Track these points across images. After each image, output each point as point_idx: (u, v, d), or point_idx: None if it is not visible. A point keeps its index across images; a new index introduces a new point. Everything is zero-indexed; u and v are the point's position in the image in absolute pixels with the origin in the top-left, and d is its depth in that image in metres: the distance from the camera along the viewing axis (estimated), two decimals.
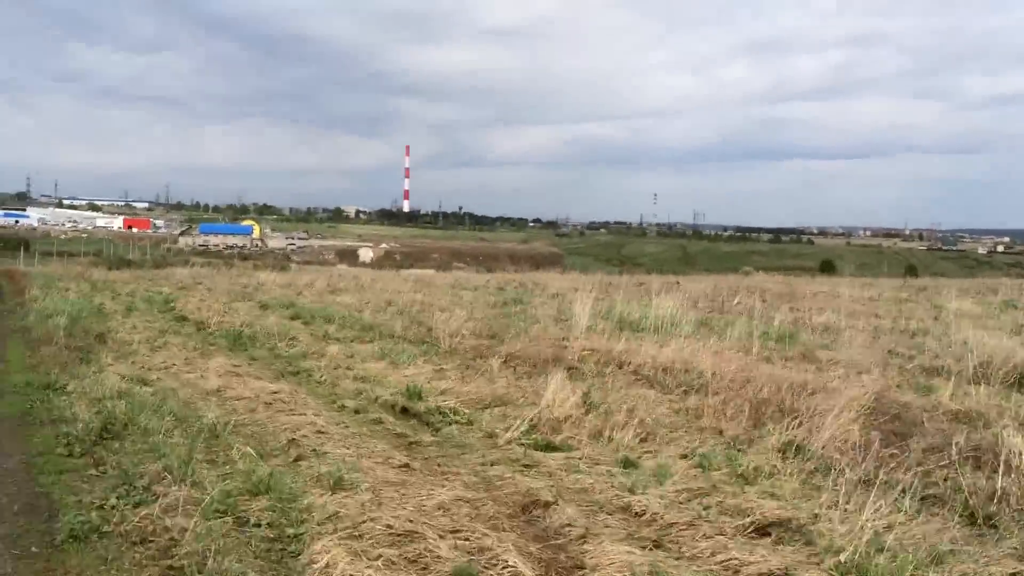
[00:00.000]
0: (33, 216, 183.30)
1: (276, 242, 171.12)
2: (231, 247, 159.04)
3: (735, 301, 20.43)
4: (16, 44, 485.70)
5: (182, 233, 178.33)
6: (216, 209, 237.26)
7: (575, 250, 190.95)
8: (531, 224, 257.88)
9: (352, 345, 13.13)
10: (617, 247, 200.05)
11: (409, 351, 12.20)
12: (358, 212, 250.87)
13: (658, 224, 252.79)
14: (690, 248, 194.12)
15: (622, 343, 12.24)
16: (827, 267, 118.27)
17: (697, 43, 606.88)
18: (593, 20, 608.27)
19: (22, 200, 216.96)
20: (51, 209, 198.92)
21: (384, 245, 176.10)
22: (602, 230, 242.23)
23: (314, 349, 12.70)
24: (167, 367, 10.96)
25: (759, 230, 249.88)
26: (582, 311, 14.40)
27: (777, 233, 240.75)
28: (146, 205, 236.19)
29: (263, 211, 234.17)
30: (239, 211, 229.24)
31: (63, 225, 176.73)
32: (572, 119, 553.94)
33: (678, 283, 28.21)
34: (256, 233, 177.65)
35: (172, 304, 19.13)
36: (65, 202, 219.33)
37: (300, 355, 12.25)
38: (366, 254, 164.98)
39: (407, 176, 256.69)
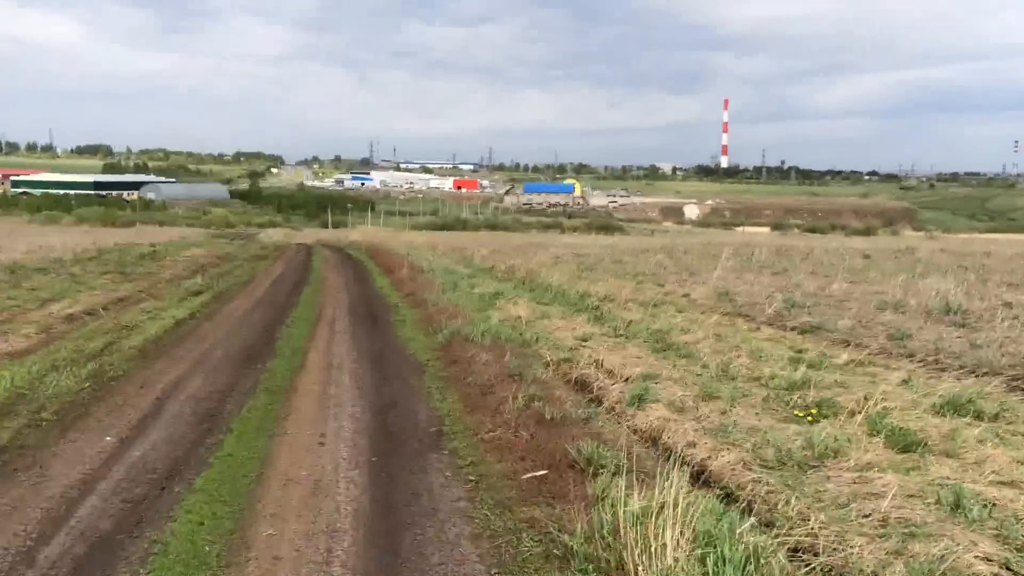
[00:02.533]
0: (376, 179, 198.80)
1: (597, 200, 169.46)
2: (554, 205, 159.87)
3: None
4: (365, 26, 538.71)
5: (507, 192, 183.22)
6: (535, 169, 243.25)
7: (927, 204, 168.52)
8: (867, 177, 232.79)
9: None
10: (980, 200, 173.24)
11: None
12: (675, 169, 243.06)
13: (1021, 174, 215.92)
14: None
15: None
16: None
17: None
18: None
19: (365, 165, 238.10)
20: (390, 172, 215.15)
21: (709, 202, 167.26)
22: (956, 182, 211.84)
23: None
24: None
25: None
26: None
27: None
28: (471, 167, 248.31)
29: (579, 170, 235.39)
30: (557, 170, 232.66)
31: (401, 187, 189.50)
32: (907, 64, 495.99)
33: None
34: (577, 191, 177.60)
35: None
36: (402, 166, 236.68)
37: None
38: (692, 211, 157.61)
39: (725, 131, 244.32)
